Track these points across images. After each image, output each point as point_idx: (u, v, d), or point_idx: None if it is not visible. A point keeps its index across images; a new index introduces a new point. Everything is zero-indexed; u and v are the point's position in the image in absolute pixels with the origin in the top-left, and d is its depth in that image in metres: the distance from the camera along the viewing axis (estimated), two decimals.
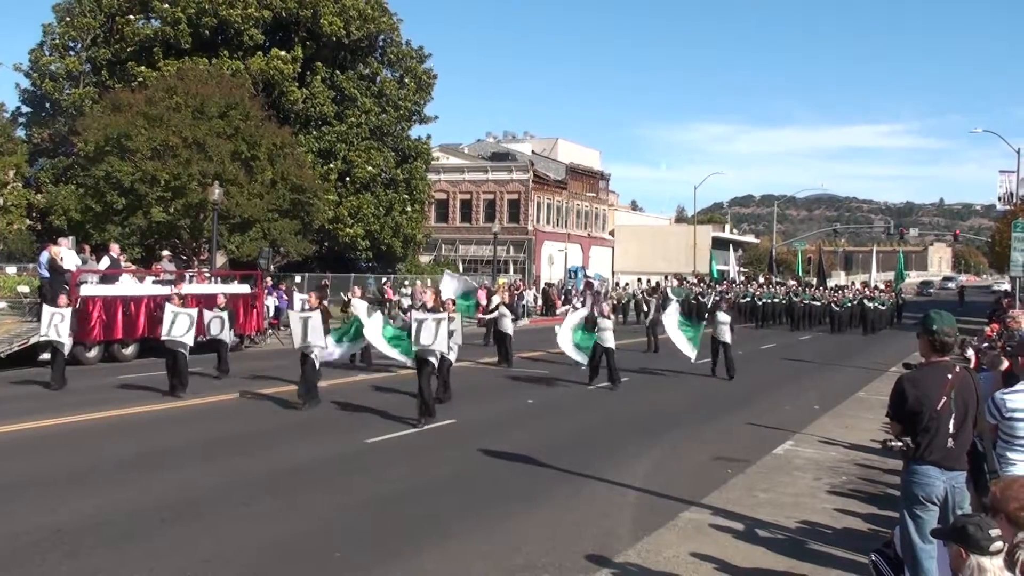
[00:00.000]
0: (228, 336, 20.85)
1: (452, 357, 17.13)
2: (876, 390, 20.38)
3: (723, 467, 12.11)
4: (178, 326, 16.97)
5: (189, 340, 17.16)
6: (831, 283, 58.76)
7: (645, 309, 34.14)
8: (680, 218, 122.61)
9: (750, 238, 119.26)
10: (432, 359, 14.97)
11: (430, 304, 15.67)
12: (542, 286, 58.23)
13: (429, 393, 14.94)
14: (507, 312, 24.54)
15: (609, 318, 20.80)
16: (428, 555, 8.27)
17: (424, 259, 63.54)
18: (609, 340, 19.90)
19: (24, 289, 28.87)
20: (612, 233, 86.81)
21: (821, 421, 16.23)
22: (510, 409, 17.00)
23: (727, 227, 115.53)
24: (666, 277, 51.97)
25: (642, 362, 23.89)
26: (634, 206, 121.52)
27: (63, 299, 18.97)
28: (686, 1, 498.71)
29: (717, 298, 33.95)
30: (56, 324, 18.01)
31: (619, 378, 19.89)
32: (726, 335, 22.46)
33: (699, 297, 45.44)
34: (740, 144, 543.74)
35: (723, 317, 22.72)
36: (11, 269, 36.45)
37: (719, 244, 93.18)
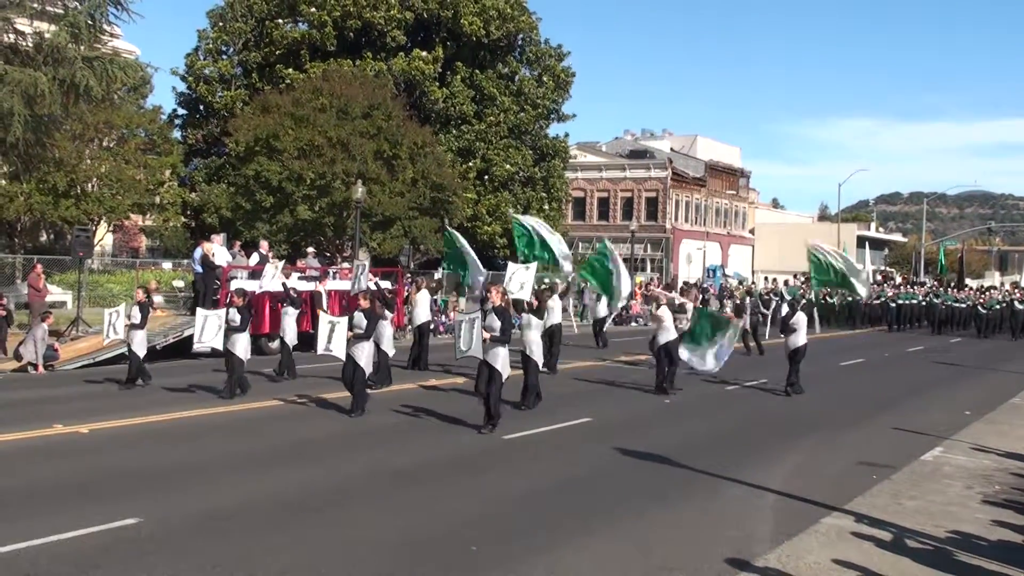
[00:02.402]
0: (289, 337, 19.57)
1: (537, 359, 15.83)
2: None
3: (867, 472, 11.74)
4: (208, 330, 16.39)
5: (217, 343, 16.26)
6: (977, 284, 54.68)
7: (764, 311, 32.38)
8: (823, 216, 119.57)
9: (897, 236, 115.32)
10: (493, 363, 13.44)
11: (497, 302, 13.89)
12: (680, 285, 57.62)
13: (494, 399, 13.55)
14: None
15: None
16: (565, 551, 8.28)
17: None
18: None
19: (179, 284, 30.18)
20: (752, 232, 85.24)
21: (973, 427, 15.57)
22: (646, 408, 16.87)
23: (873, 225, 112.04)
24: (795, 276, 50.10)
25: (775, 365, 23.34)
26: (775, 204, 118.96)
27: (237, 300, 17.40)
28: None
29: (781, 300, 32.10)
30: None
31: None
32: (795, 341, 19.16)
33: (827, 298, 43.50)
34: (885, 139, 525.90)
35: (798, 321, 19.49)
36: (167, 264, 38.14)
37: (865, 243, 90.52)
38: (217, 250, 23.57)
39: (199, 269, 23.44)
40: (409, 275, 32.86)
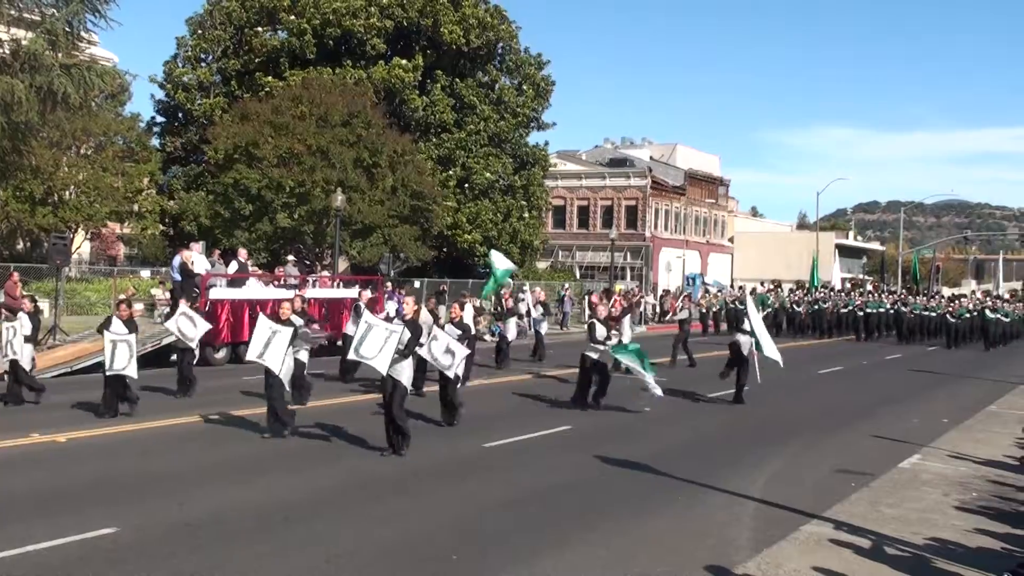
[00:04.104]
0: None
1: (450, 373, 14.68)
2: (1010, 404, 19.60)
3: (846, 480, 11.78)
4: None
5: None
6: (949, 292, 53.66)
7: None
8: (802, 224, 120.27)
9: (875, 245, 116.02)
10: (396, 376, 12.35)
11: (408, 316, 13.01)
12: (660, 293, 57.74)
13: (399, 417, 12.42)
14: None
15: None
16: (545, 560, 8.27)
17: (541, 265, 63.71)
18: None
19: (157, 292, 30.01)
20: (732, 240, 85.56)
21: (950, 435, 15.65)
22: (626, 417, 16.86)
23: (851, 234, 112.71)
24: (762, 283, 49.89)
25: (762, 373, 23.42)
26: (754, 212, 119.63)
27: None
28: (807, 3, 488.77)
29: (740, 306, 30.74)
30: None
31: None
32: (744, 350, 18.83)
33: (794, 306, 43.33)
34: (864, 149, 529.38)
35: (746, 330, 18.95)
36: (145, 273, 37.95)
37: (843, 251, 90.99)
38: (196, 258, 23.47)
39: (178, 277, 23.32)
40: (389, 283, 32.72)
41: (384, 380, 12.53)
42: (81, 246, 43.44)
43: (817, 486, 11.57)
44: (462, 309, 16.26)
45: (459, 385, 15.42)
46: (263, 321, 13.80)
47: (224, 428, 14.23)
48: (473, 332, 20.09)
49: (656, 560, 8.37)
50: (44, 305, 30.40)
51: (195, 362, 18.15)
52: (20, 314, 16.39)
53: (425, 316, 17.31)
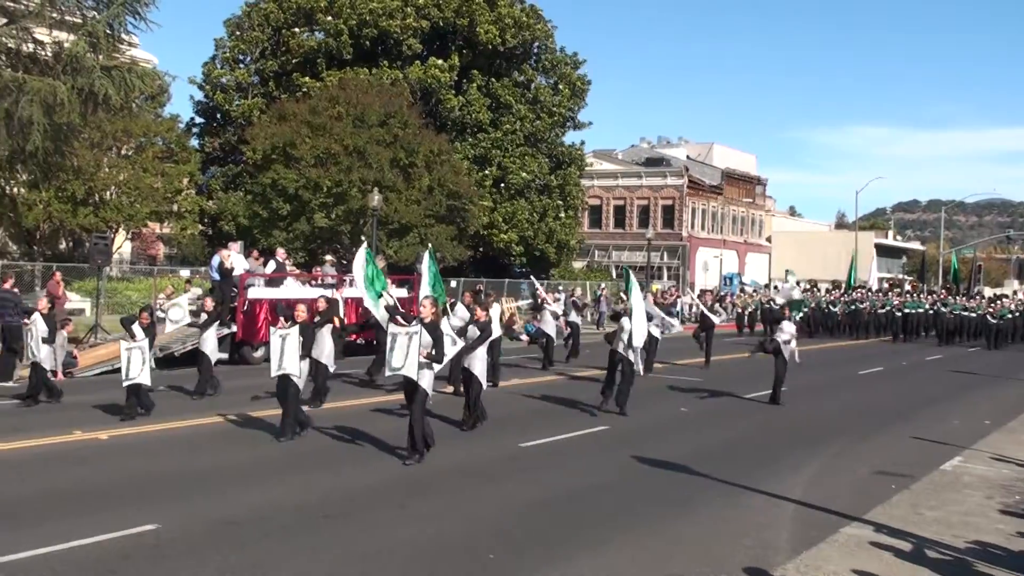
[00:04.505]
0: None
1: (481, 378, 14.65)
2: None
3: (886, 482, 11.67)
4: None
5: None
6: (991, 292, 52.51)
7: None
8: (840, 224, 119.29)
9: (915, 245, 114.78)
10: (417, 379, 11.92)
11: (428, 318, 12.31)
12: (696, 293, 57.52)
13: (419, 426, 12.03)
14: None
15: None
16: (582, 560, 8.26)
17: (577, 265, 63.63)
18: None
19: (197, 291, 30.30)
20: (769, 239, 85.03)
21: (992, 437, 15.45)
22: (663, 416, 16.83)
23: (890, 233, 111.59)
24: (797, 283, 49.28)
25: (797, 373, 23.22)
26: (792, 212, 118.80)
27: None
28: (844, 2, 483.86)
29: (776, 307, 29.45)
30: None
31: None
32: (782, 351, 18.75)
33: (830, 306, 42.85)
34: (901, 147, 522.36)
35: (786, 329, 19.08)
36: (184, 272, 38.30)
37: (883, 251, 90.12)
38: (234, 258, 23.64)
39: (216, 277, 23.51)
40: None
41: (406, 382, 12.23)
42: (122, 246, 43.93)
43: (857, 488, 11.46)
44: (485, 310, 16.03)
45: (483, 388, 15.07)
46: (272, 335, 13.61)
47: (261, 427, 14.29)
48: (498, 334, 20.09)
49: (694, 561, 8.33)
50: (86, 304, 30.83)
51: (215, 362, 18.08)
52: (34, 315, 16.31)
53: (462, 312, 17.33)
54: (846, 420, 17.05)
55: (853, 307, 42.85)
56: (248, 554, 8.11)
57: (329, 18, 47.97)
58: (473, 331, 14.81)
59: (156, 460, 11.90)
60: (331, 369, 16.28)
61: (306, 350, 13.49)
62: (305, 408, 14.57)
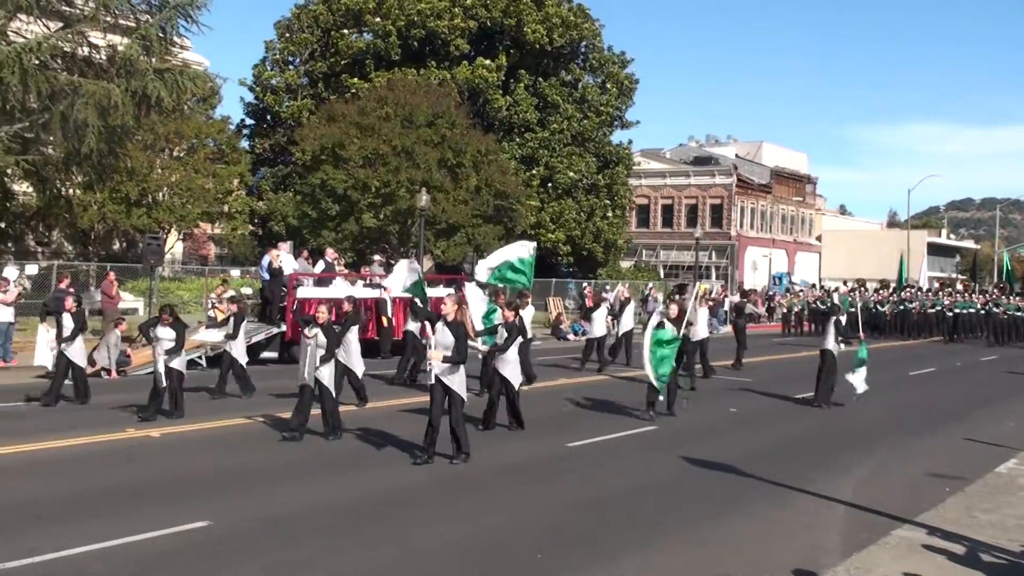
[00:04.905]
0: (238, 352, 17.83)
1: (514, 380, 14.37)
2: None
3: (939, 484, 11.49)
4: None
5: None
6: None
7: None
8: (892, 223, 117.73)
9: (969, 244, 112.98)
10: (448, 384, 11.68)
11: (451, 317, 11.86)
12: (697, 292, 57.12)
13: (461, 426, 11.89)
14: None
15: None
16: (629, 560, 8.23)
17: (625, 264, 63.43)
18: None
19: (247, 291, 30.63)
20: (819, 239, 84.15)
21: None
22: (713, 417, 16.71)
23: (944, 232, 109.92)
24: (845, 283, 48.64)
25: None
26: (843, 210, 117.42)
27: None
28: None
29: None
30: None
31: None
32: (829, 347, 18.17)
33: (878, 306, 41.95)
34: (954, 144, 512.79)
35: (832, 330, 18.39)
36: (235, 272, 38.73)
37: (935, 250, 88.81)
38: (284, 258, 23.86)
39: (266, 276, 23.74)
40: (475, 282, 32.80)
41: (433, 387, 11.76)
42: (174, 246, 44.52)
43: (909, 490, 11.30)
44: (514, 311, 15.73)
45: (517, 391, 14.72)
46: (302, 346, 13.39)
47: (309, 426, 14.39)
48: (530, 335, 19.99)
49: (742, 562, 8.27)
50: (139, 304, 31.27)
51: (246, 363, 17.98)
52: (64, 314, 16.20)
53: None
54: (898, 421, 16.83)
55: (902, 307, 42.11)
56: (297, 551, 8.18)
57: (377, 19, 48.29)
58: (502, 332, 14.63)
59: (206, 457, 12.04)
60: (360, 371, 16.10)
61: (330, 351, 13.25)
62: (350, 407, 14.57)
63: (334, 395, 13.42)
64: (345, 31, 49.82)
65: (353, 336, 15.99)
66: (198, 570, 7.65)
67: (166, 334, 14.65)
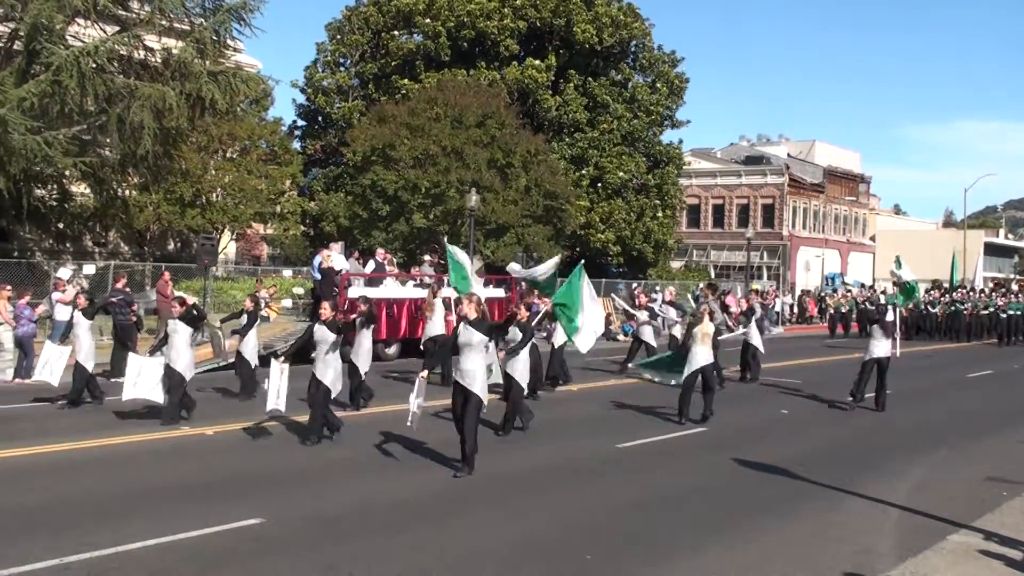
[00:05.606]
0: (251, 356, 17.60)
1: (521, 381, 14.13)
2: None
3: (996, 489, 11.28)
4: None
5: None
6: None
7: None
8: (948, 222, 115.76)
9: None
10: (469, 386, 11.21)
11: (472, 316, 11.52)
12: (798, 293, 56.58)
13: (470, 430, 11.26)
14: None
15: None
16: (679, 562, 8.19)
17: (675, 265, 63.08)
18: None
19: (299, 291, 30.90)
20: (873, 239, 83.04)
21: None
22: (763, 419, 16.57)
23: (1001, 232, 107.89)
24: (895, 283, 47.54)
25: (901, 377, 22.58)
26: (897, 210, 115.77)
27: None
28: None
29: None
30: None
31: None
32: (875, 351, 17.68)
33: (928, 307, 41.30)
34: (1012, 143, 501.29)
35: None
36: (287, 272, 39.08)
37: (993, 250, 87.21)
38: (334, 258, 24.04)
39: (318, 276, 23.94)
40: (523, 283, 32.83)
41: (454, 389, 11.40)
42: (227, 246, 45.03)
43: (965, 494, 11.12)
44: (528, 310, 15.55)
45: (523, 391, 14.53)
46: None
47: (357, 424, 14.49)
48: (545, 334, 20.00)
49: (793, 566, 8.19)
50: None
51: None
52: (75, 312, 16.13)
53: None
54: (954, 424, 16.57)
55: (953, 308, 41.22)
56: (347, 549, 8.24)
57: (427, 20, 48.47)
58: (515, 333, 14.47)
59: (259, 455, 12.18)
60: (364, 370, 15.86)
61: (333, 347, 13.17)
62: (344, 413, 14.53)
63: (332, 394, 13.27)
64: (395, 32, 50.07)
65: (366, 336, 15.86)
66: (253, 567, 7.75)
67: (180, 327, 14.47)
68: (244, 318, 17.54)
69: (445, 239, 20.67)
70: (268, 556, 7.98)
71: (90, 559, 7.72)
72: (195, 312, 15.53)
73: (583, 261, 17.48)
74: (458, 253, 20.12)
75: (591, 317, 15.78)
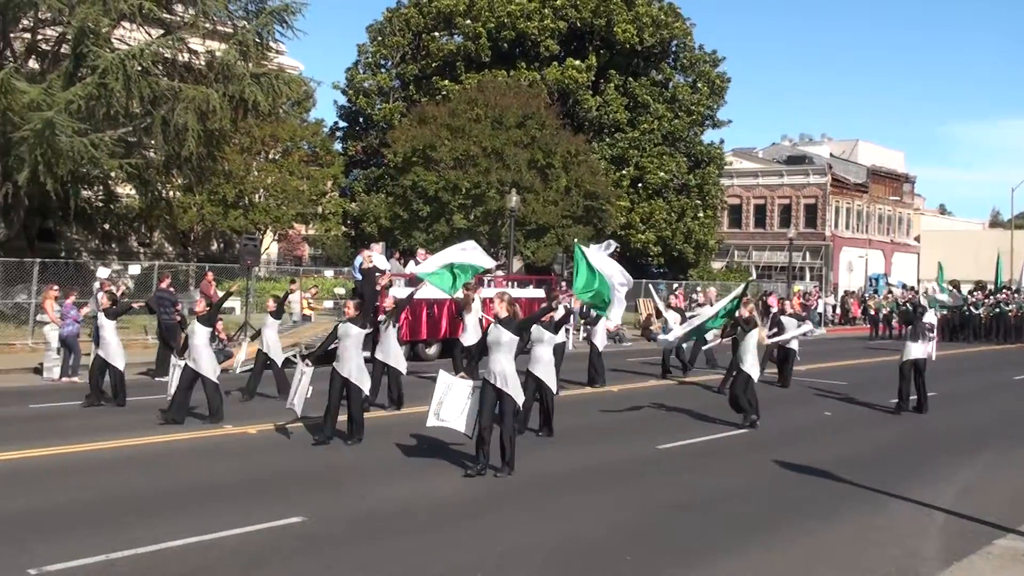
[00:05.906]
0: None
1: (550, 383, 13.68)
2: None
3: None
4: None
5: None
6: None
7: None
8: (995, 223, 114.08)
9: None
10: (503, 388, 11.07)
11: (503, 314, 11.39)
12: (840, 294, 56.04)
13: (510, 435, 11.25)
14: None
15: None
16: (720, 564, 8.14)
17: (716, 265, 62.70)
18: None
19: (340, 291, 31.08)
20: (918, 239, 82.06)
21: None
22: (806, 421, 16.43)
23: None
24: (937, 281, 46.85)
25: (946, 379, 22.28)
26: (942, 210, 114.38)
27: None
28: None
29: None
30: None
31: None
32: (911, 353, 17.36)
33: (972, 308, 40.45)
34: None
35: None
36: (328, 272, 39.34)
37: None
38: (376, 258, 24.12)
39: (359, 276, 24.06)
40: (564, 283, 32.81)
41: (484, 390, 11.15)
42: (269, 247, 45.41)
43: (1013, 498, 10.95)
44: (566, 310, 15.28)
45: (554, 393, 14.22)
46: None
47: (396, 423, 14.53)
48: (561, 339, 19.56)
49: (836, 569, 8.11)
50: (235, 303, 31.96)
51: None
52: (99, 313, 16.19)
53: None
54: (1001, 427, 16.33)
55: (997, 309, 40.59)
56: (388, 549, 8.28)
57: (468, 21, 48.59)
58: (539, 332, 13.90)
59: (301, 454, 12.25)
60: (403, 371, 15.80)
61: (355, 343, 13.10)
62: (384, 413, 14.61)
63: (364, 393, 13.28)
64: (436, 34, 50.24)
65: (391, 334, 15.65)
66: (295, 565, 7.80)
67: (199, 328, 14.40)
68: (267, 318, 17.45)
69: (575, 241, 18.91)
70: (310, 555, 8.04)
71: (135, 555, 7.81)
72: (115, 305, 16.08)
73: (575, 240, 17.13)
74: (594, 257, 15.55)
75: (611, 282, 15.15)
